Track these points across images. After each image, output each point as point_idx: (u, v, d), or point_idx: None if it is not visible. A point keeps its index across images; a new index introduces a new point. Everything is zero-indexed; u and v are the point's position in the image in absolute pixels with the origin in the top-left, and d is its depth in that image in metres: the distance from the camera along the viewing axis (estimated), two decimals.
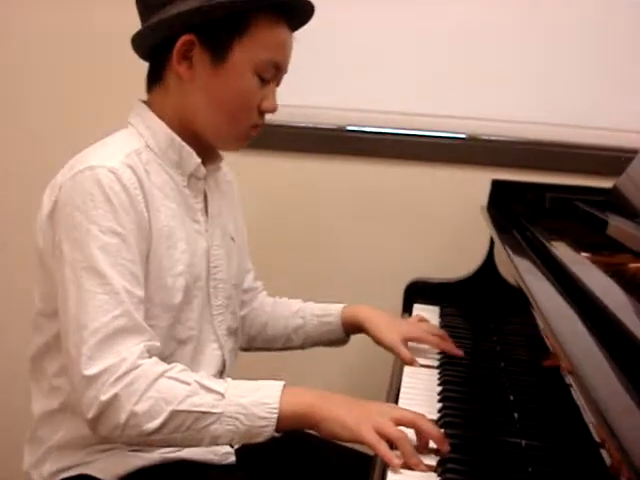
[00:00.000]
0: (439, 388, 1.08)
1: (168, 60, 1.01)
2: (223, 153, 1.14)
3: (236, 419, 0.87)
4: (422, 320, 1.31)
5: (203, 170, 1.06)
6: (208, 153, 1.08)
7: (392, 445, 0.86)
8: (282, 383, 0.91)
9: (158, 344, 0.94)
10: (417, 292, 1.50)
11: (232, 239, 1.16)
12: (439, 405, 1.02)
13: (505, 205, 1.53)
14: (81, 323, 0.89)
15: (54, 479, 1.03)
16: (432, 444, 0.88)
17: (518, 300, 1.01)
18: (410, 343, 1.20)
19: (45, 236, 0.98)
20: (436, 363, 1.18)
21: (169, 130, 1.03)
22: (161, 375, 0.89)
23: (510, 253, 1.14)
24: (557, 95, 1.68)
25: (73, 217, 0.92)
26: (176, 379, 0.89)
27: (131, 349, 0.89)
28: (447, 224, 1.72)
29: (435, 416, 0.98)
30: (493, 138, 1.72)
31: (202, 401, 0.88)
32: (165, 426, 0.87)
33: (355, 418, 0.87)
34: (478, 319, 1.41)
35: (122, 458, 1.00)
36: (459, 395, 1.06)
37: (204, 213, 1.09)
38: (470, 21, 1.68)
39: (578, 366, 0.68)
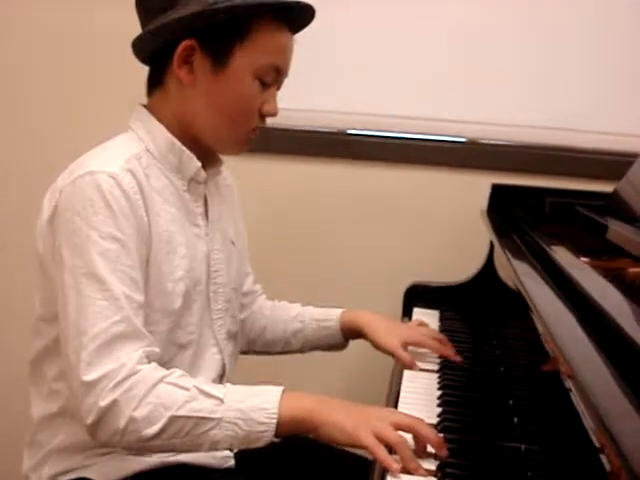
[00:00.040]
0: (438, 392, 1.08)
1: (169, 65, 1.01)
2: (223, 157, 1.14)
3: (235, 424, 0.87)
4: (422, 324, 1.30)
5: (203, 174, 1.06)
6: (208, 157, 1.08)
7: (391, 450, 0.86)
8: (281, 388, 0.91)
9: (157, 350, 0.94)
10: (417, 296, 1.50)
11: (232, 243, 1.16)
12: (439, 410, 1.02)
13: (505, 209, 1.53)
14: (81, 329, 0.89)
15: None
16: (431, 449, 0.88)
17: (518, 304, 1.01)
18: (409, 347, 1.20)
19: (45, 241, 0.98)
20: (436, 367, 1.18)
21: (169, 134, 1.03)
22: (160, 381, 0.89)
23: (510, 257, 1.14)
24: (557, 99, 1.68)
25: (73, 222, 0.92)
26: (175, 384, 0.89)
27: (130, 355, 0.89)
28: (447, 228, 1.72)
29: (434, 420, 0.98)
30: (493, 142, 1.72)
31: (201, 406, 0.88)
32: (164, 432, 0.87)
33: (354, 423, 0.87)
34: (478, 323, 1.41)
35: (121, 462, 0.99)
36: (458, 399, 1.06)
37: (204, 217, 1.09)
38: (470, 24, 1.68)
39: (577, 370, 0.68)
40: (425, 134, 1.72)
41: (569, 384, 0.74)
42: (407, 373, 1.15)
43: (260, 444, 0.89)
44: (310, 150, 1.74)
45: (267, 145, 1.59)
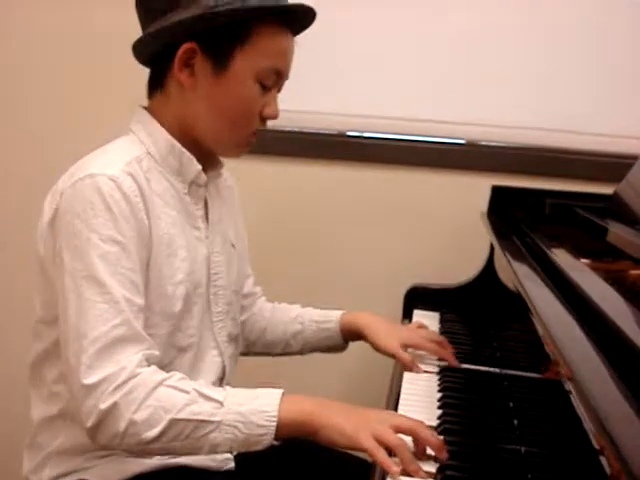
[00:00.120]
0: (439, 394, 1.08)
1: (169, 67, 1.01)
2: (223, 159, 1.14)
3: (235, 427, 0.87)
4: (421, 327, 1.30)
5: (204, 177, 1.06)
6: (209, 160, 1.08)
7: (391, 452, 0.86)
8: (281, 391, 0.91)
9: (157, 353, 0.94)
10: (417, 298, 1.50)
11: (232, 246, 1.16)
12: (439, 412, 1.02)
13: (505, 211, 1.53)
14: (81, 332, 0.89)
15: None
16: (431, 451, 0.88)
17: (518, 306, 1.01)
18: (409, 350, 1.20)
19: (46, 244, 0.98)
20: (436, 369, 1.18)
21: (170, 137, 1.03)
22: (160, 384, 0.89)
23: (510, 259, 1.13)
24: (557, 100, 1.68)
25: (73, 225, 0.92)
26: (175, 387, 0.89)
27: (130, 358, 0.89)
28: (447, 230, 1.72)
29: (435, 423, 0.98)
30: (493, 144, 1.72)
31: (201, 409, 0.88)
32: (164, 435, 0.87)
33: (353, 425, 0.87)
34: (478, 325, 1.41)
35: (121, 464, 0.99)
36: (459, 401, 1.06)
37: (204, 220, 1.09)
38: (469, 27, 1.68)
39: (577, 373, 0.68)
40: (425, 136, 1.73)
41: (569, 386, 0.74)
42: (407, 375, 1.15)
43: (260, 447, 0.89)
44: (310, 152, 1.74)
45: (267, 147, 1.59)
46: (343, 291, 1.73)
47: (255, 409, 0.88)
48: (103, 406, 0.86)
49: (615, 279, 1.00)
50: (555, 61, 1.68)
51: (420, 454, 0.87)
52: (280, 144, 1.70)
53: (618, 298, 0.89)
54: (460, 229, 1.69)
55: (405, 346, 1.19)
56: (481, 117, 1.71)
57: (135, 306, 0.92)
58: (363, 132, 1.75)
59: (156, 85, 1.05)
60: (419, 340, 1.21)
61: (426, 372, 1.16)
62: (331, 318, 1.26)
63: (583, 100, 1.68)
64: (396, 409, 1.03)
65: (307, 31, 1.08)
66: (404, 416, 0.93)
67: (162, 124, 1.03)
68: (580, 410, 0.68)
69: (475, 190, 1.61)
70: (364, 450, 0.86)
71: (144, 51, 1.04)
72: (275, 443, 0.89)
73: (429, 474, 0.84)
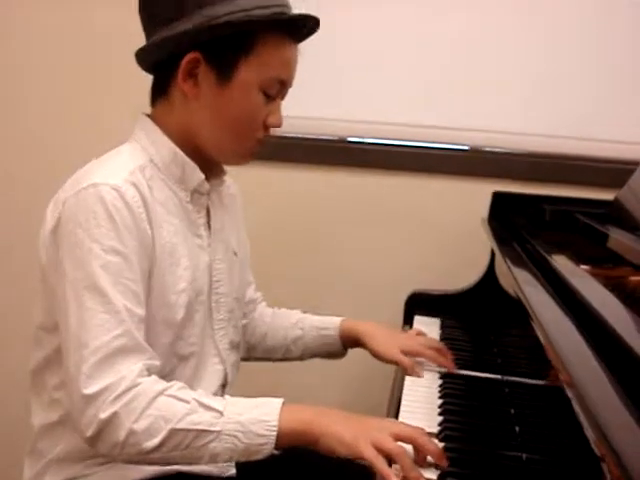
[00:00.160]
0: (440, 401, 1.08)
1: (173, 76, 1.01)
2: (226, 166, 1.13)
3: (235, 437, 0.87)
4: (420, 334, 1.30)
5: (206, 185, 1.06)
6: (212, 168, 1.08)
7: (392, 460, 0.85)
8: (281, 400, 0.90)
9: (158, 363, 0.94)
10: (418, 304, 1.50)
11: (234, 253, 1.16)
12: (440, 418, 1.02)
13: (506, 217, 1.53)
14: (82, 342, 0.89)
15: None
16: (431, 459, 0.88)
17: (519, 312, 1.01)
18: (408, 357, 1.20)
19: (48, 252, 0.98)
20: (437, 375, 1.18)
21: (173, 145, 1.03)
22: (160, 393, 0.89)
23: (510, 265, 1.14)
24: (558, 107, 1.68)
25: (75, 234, 0.92)
26: (175, 397, 0.89)
27: (131, 368, 0.89)
28: (448, 236, 1.72)
29: (436, 429, 0.98)
30: (495, 150, 1.72)
31: (201, 419, 0.87)
32: (164, 444, 0.87)
33: (353, 434, 0.87)
34: (479, 331, 1.41)
35: (121, 471, 0.99)
36: (460, 408, 1.06)
37: (206, 228, 1.09)
38: (471, 33, 1.69)
39: (577, 379, 0.68)
40: (427, 142, 1.73)
41: (569, 392, 0.74)
42: (408, 382, 1.15)
43: (260, 456, 0.88)
44: (311, 158, 1.74)
45: (268, 153, 1.58)
46: (344, 297, 1.73)
47: (255, 418, 0.88)
48: (103, 416, 0.86)
49: (615, 285, 1.00)
50: (555, 66, 1.68)
51: (420, 461, 0.87)
52: (282, 150, 1.70)
53: (618, 304, 0.89)
54: (461, 235, 1.69)
55: (404, 353, 1.19)
56: (483, 123, 1.71)
57: (136, 316, 0.92)
58: (364, 138, 1.75)
59: (159, 93, 1.05)
60: (418, 347, 1.21)
61: (426, 379, 1.16)
62: (331, 324, 1.26)
63: (584, 106, 1.68)
64: (397, 415, 1.03)
65: (309, 38, 1.08)
66: (404, 424, 0.93)
67: (165, 132, 1.03)
68: (581, 417, 0.68)
69: (476, 196, 1.61)
70: (363, 458, 0.85)
71: (147, 59, 1.04)
72: (275, 452, 0.89)
73: None
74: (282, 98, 1.06)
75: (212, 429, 0.87)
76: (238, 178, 1.22)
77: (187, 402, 0.88)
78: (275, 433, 0.87)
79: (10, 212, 1.80)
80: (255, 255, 1.28)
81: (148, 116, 1.06)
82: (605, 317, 0.80)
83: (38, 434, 1.05)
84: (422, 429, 0.91)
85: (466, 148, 1.73)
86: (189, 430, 0.87)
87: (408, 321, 1.47)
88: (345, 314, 1.29)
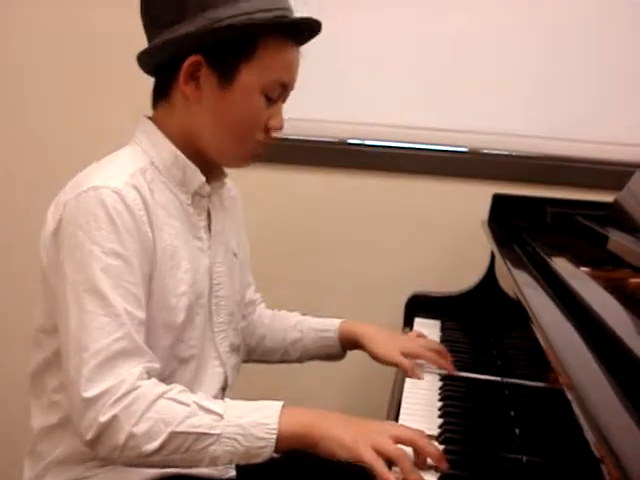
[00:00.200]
0: (440, 403, 1.08)
1: (175, 79, 1.01)
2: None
3: (235, 440, 0.87)
4: (420, 336, 1.30)
5: (207, 188, 1.06)
6: (213, 170, 1.08)
7: (392, 463, 0.85)
8: (281, 403, 0.90)
9: (157, 366, 0.94)
10: (418, 306, 1.51)
11: (234, 255, 1.16)
12: (440, 420, 1.02)
13: (506, 219, 1.53)
14: (82, 344, 0.89)
15: None
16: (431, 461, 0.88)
17: (519, 314, 1.01)
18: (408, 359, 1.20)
19: (49, 254, 0.98)
20: (437, 377, 1.18)
21: (174, 148, 1.03)
22: (160, 396, 0.89)
23: (510, 267, 1.14)
24: (558, 108, 1.69)
25: (76, 237, 0.92)
26: (175, 400, 0.89)
27: (131, 371, 0.89)
28: (448, 238, 1.72)
29: (436, 431, 0.98)
30: (494, 152, 1.72)
31: (201, 422, 0.87)
32: (164, 447, 0.87)
33: (353, 436, 0.87)
34: (479, 333, 1.41)
35: (121, 473, 0.99)
36: (460, 410, 1.06)
37: (207, 230, 1.08)
38: (470, 36, 1.69)
39: (576, 381, 0.68)
40: (426, 144, 1.73)
41: (569, 395, 0.74)
42: (408, 384, 1.15)
43: (260, 459, 0.88)
44: (311, 160, 1.74)
45: (269, 154, 1.58)
46: (345, 299, 1.73)
47: (255, 421, 0.88)
48: (103, 419, 0.86)
49: (615, 287, 1.00)
50: (555, 67, 1.68)
51: (421, 464, 0.87)
52: (282, 152, 1.70)
53: (618, 306, 0.89)
54: (461, 237, 1.69)
55: (404, 355, 1.19)
56: (483, 125, 1.71)
57: (136, 319, 0.92)
58: (364, 140, 1.75)
59: (161, 95, 1.05)
60: (418, 349, 1.21)
61: (426, 381, 1.16)
62: (330, 327, 1.26)
63: (584, 108, 1.68)
64: (397, 418, 1.03)
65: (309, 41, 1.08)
66: (404, 426, 0.93)
67: (166, 135, 1.03)
68: (581, 419, 0.68)
69: (476, 198, 1.61)
70: (364, 461, 0.85)
71: (149, 61, 1.04)
72: (275, 455, 0.89)
73: None
74: (283, 101, 1.06)
75: (212, 432, 0.87)
76: (239, 180, 1.23)
77: (187, 405, 0.88)
78: (275, 436, 0.87)
79: (10, 212, 1.80)
80: (256, 257, 1.28)
81: (149, 118, 1.06)
82: (605, 319, 0.80)
83: (38, 436, 1.05)
84: (422, 431, 0.91)
85: (465, 150, 1.73)
86: (189, 433, 0.87)
87: (408, 323, 1.47)
88: (345, 316, 1.29)
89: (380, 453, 0.85)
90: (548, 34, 1.67)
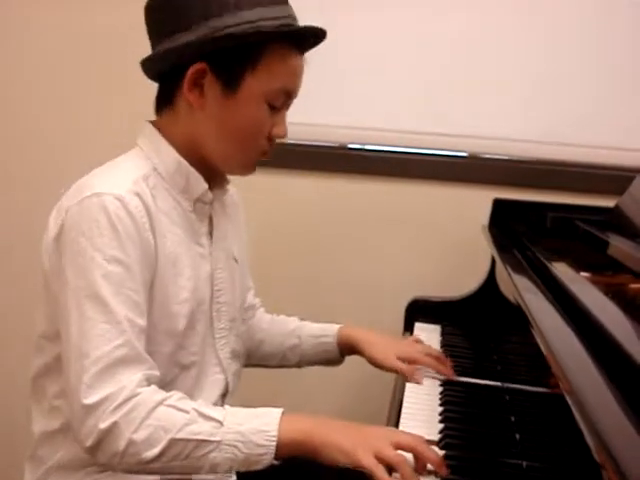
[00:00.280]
0: (440, 408, 1.08)
1: (179, 85, 1.00)
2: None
3: (234, 447, 0.87)
4: (418, 341, 1.30)
5: (210, 195, 1.06)
6: (215, 177, 1.08)
7: (392, 469, 0.85)
8: (280, 410, 0.90)
9: (157, 373, 0.94)
10: (418, 311, 1.50)
11: (235, 260, 1.16)
12: (440, 425, 1.02)
13: (506, 224, 1.53)
14: (83, 351, 0.89)
15: None
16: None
17: (519, 319, 1.01)
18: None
19: (51, 258, 0.98)
20: (437, 382, 1.18)
21: (177, 154, 1.02)
22: (160, 403, 0.89)
23: (510, 272, 1.14)
24: (559, 113, 1.69)
25: (78, 243, 0.92)
26: (174, 407, 0.89)
27: (131, 378, 0.89)
28: (448, 243, 1.72)
29: (436, 437, 0.98)
30: (495, 157, 1.72)
31: (200, 429, 0.87)
32: (164, 454, 0.87)
33: (353, 442, 0.87)
34: (479, 338, 1.41)
35: (121, 478, 0.99)
36: (460, 415, 1.06)
37: (208, 237, 1.08)
38: (470, 42, 1.69)
39: (576, 386, 0.68)
40: (426, 149, 1.73)
41: (568, 399, 0.74)
42: (409, 389, 1.14)
43: (259, 466, 0.88)
44: (311, 164, 1.75)
45: (269, 159, 1.59)
46: (345, 303, 1.73)
47: (255, 428, 0.88)
48: (103, 425, 0.86)
49: (615, 293, 1.00)
50: (556, 74, 1.68)
51: (420, 469, 0.87)
52: (283, 156, 1.69)
53: (618, 312, 0.89)
54: (461, 242, 1.69)
55: (402, 360, 1.19)
56: (483, 130, 1.71)
57: (137, 327, 0.92)
58: (365, 145, 1.75)
59: (165, 102, 1.04)
60: (415, 355, 1.21)
61: (427, 386, 1.16)
62: (328, 332, 1.26)
63: (585, 112, 1.68)
64: (398, 422, 1.03)
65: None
66: (403, 432, 0.93)
67: (170, 141, 1.03)
68: (581, 424, 0.68)
69: (476, 203, 1.62)
70: (364, 468, 0.85)
71: (153, 67, 1.04)
72: (275, 462, 0.89)
73: None
74: (287, 109, 1.06)
75: (212, 439, 0.87)
76: (239, 184, 1.22)
77: (187, 412, 0.88)
78: (275, 443, 0.87)
79: (10, 212, 1.81)
80: (256, 260, 1.28)
81: (152, 123, 1.06)
82: (605, 324, 0.80)
83: (38, 441, 1.05)
84: (421, 437, 0.91)
85: (465, 155, 1.73)
86: (189, 440, 0.87)
87: (409, 328, 1.47)
88: (346, 321, 1.29)
89: (380, 459, 0.85)
90: (548, 35, 1.67)
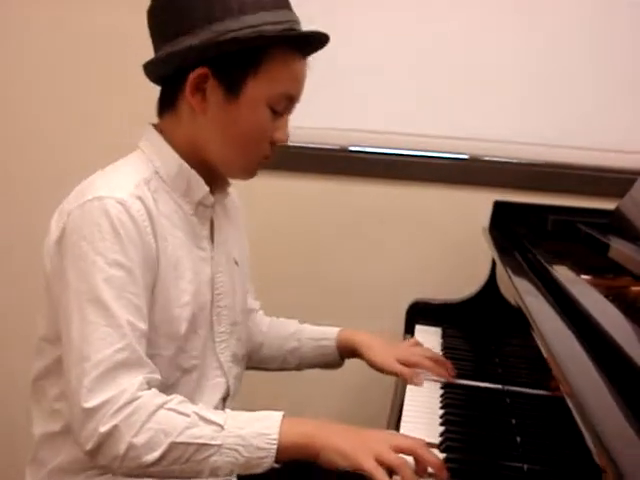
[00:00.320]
0: (441, 411, 1.08)
1: (181, 89, 1.00)
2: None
3: (235, 450, 0.87)
4: (417, 344, 1.30)
5: (211, 198, 1.06)
6: (217, 180, 1.08)
7: (392, 472, 0.85)
8: (281, 414, 0.90)
9: (158, 376, 0.94)
10: (419, 313, 1.50)
11: (236, 263, 1.16)
12: (441, 428, 1.02)
13: (507, 226, 1.53)
14: (84, 355, 0.89)
15: None
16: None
17: (520, 322, 1.01)
18: None
19: (52, 261, 0.98)
20: (438, 385, 1.18)
21: (179, 158, 1.02)
22: (160, 407, 0.89)
23: (511, 275, 1.13)
24: (559, 116, 1.69)
25: (80, 247, 0.92)
26: (175, 410, 0.89)
27: (132, 381, 0.89)
28: (449, 245, 1.72)
29: (437, 440, 0.98)
30: (495, 159, 1.72)
31: (201, 433, 0.87)
32: (164, 458, 0.87)
33: (353, 446, 0.87)
34: (480, 340, 1.41)
35: None
36: (461, 418, 1.06)
37: (210, 240, 1.08)
38: (471, 43, 1.69)
39: (576, 389, 0.68)
40: (427, 151, 1.73)
41: (569, 403, 0.74)
42: (409, 392, 1.14)
43: (260, 470, 0.88)
44: (312, 167, 1.75)
45: (270, 161, 1.59)
46: (345, 306, 1.73)
47: (256, 432, 0.88)
48: (103, 429, 0.86)
49: (616, 295, 1.00)
50: (557, 76, 1.68)
51: (421, 472, 0.87)
52: (284, 159, 1.68)
53: (618, 315, 0.89)
54: (462, 244, 1.69)
55: (401, 363, 1.19)
56: (483, 132, 1.71)
57: (138, 331, 0.92)
58: (365, 147, 1.75)
59: (167, 105, 1.04)
60: (415, 358, 1.21)
61: (427, 388, 1.16)
62: (328, 335, 1.26)
63: (585, 115, 1.68)
64: (398, 425, 1.03)
65: None
66: (404, 435, 0.93)
67: (172, 144, 1.03)
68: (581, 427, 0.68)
69: (477, 205, 1.62)
70: (364, 471, 0.85)
71: (154, 72, 1.04)
72: (276, 466, 0.89)
73: None
74: (289, 114, 1.05)
75: (213, 443, 0.87)
76: (240, 186, 1.22)
77: (187, 416, 0.88)
78: (275, 446, 0.87)
79: (10, 212, 1.81)
80: (257, 262, 1.28)
81: (155, 126, 1.06)
82: (605, 327, 0.80)
83: (39, 443, 1.05)
84: (422, 440, 0.91)
85: (466, 157, 1.73)
86: (189, 444, 0.87)
87: (409, 330, 1.47)
88: (346, 323, 1.29)
89: (381, 462, 0.85)
90: (548, 37, 1.67)
